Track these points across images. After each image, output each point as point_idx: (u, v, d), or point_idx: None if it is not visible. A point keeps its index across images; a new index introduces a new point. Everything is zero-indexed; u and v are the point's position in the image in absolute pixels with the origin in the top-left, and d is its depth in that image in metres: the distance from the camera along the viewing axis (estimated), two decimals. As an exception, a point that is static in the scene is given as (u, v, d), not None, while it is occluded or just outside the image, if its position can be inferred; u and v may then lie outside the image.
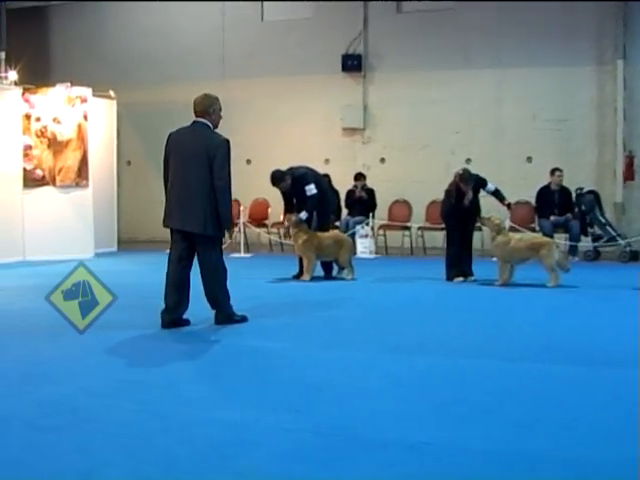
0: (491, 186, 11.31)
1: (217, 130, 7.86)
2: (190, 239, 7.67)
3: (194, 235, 7.62)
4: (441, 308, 9.20)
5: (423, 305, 9.47)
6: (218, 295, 7.74)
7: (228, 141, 7.67)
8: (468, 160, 16.29)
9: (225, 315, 7.78)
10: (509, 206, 11.60)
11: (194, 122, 7.80)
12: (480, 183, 11.24)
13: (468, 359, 6.39)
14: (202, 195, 7.56)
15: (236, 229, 15.76)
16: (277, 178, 11.43)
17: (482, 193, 11.41)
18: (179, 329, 7.60)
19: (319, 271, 11.61)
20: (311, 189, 11.32)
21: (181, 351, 6.87)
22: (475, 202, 11.33)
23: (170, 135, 7.88)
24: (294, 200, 11.61)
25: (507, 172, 15.77)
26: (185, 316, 7.76)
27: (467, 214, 11.14)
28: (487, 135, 16.53)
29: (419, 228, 15.75)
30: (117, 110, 16.42)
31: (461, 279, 11.20)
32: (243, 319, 7.89)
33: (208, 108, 7.75)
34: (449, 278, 11.26)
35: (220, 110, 7.88)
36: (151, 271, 7.87)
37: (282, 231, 12.36)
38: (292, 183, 11.38)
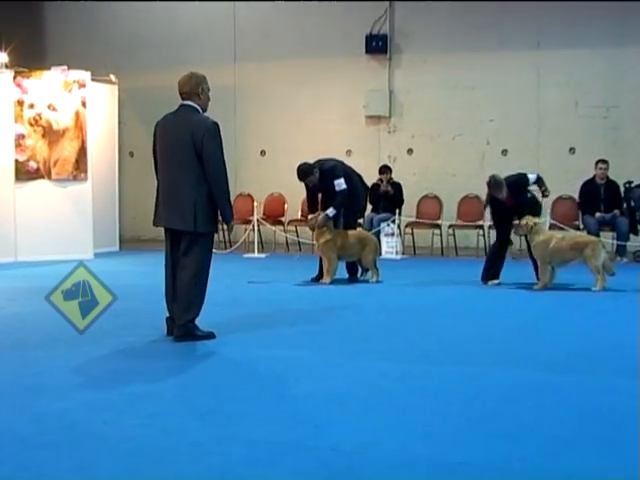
0: (532, 177, 11.22)
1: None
2: (180, 237, 7.51)
3: (183, 232, 7.45)
4: (475, 314, 9.18)
5: (455, 310, 9.44)
6: (190, 303, 7.42)
7: (217, 124, 7.44)
8: (504, 151, 16.27)
9: (187, 329, 7.43)
10: (544, 192, 11.37)
11: (180, 106, 7.64)
12: (521, 182, 11.12)
13: (504, 370, 6.38)
14: (189, 187, 7.36)
15: (249, 227, 15.81)
16: (305, 172, 11.38)
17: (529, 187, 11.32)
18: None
19: (341, 273, 11.61)
20: (340, 184, 11.28)
21: (189, 360, 6.88)
22: (528, 201, 11.19)
23: (157, 124, 7.75)
24: (319, 196, 11.59)
25: (548, 164, 15.70)
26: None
27: (523, 213, 11.02)
28: (525, 123, 16.46)
29: (450, 226, 15.70)
30: (119, 96, 16.46)
31: (497, 282, 11.15)
32: (209, 336, 7.51)
33: (196, 88, 7.56)
34: (483, 278, 11.23)
35: (209, 90, 7.68)
36: (156, 272, 7.88)
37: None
38: (320, 177, 11.38)
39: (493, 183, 11.03)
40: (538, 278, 10.79)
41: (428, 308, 9.64)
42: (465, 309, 9.55)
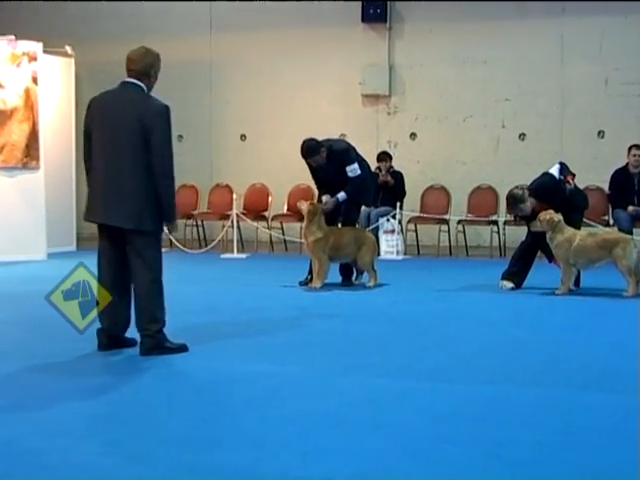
0: (556, 170, 11.21)
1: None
2: (122, 235, 7.52)
3: (125, 230, 7.46)
4: (488, 323, 9.21)
5: (465, 319, 9.46)
6: (155, 312, 7.44)
7: (168, 107, 7.44)
8: (522, 135, 16.29)
9: (155, 341, 7.43)
10: (565, 179, 11.33)
11: (124, 83, 7.62)
12: (546, 185, 11.07)
13: (523, 388, 6.40)
14: (135, 179, 7.37)
15: (228, 223, 15.81)
16: (311, 149, 11.36)
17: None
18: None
19: (333, 276, 11.61)
20: (355, 169, 11.35)
21: (156, 377, 6.88)
22: (567, 198, 11.17)
23: (92, 101, 7.77)
24: (321, 181, 11.59)
25: (573, 151, 15.72)
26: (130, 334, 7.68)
27: (567, 209, 11.03)
28: (547, 103, 16.47)
29: (460, 222, 15.72)
30: (76, 71, 16.45)
31: (510, 285, 11.16)
32: (181, 349, 7.53)
33: (149, 68, 7.55)
34: (502, 276, 11.27)
35: (159, 71, 7.68)
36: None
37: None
38: (328, 158, 11.39)
39: (510, 202, 11.10)
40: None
41: (434, 316, 9.66)
42: (477, 317, 9.58)
